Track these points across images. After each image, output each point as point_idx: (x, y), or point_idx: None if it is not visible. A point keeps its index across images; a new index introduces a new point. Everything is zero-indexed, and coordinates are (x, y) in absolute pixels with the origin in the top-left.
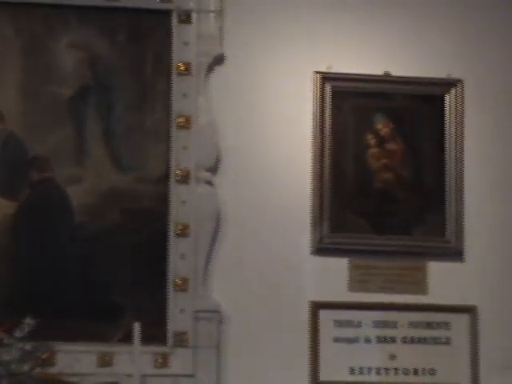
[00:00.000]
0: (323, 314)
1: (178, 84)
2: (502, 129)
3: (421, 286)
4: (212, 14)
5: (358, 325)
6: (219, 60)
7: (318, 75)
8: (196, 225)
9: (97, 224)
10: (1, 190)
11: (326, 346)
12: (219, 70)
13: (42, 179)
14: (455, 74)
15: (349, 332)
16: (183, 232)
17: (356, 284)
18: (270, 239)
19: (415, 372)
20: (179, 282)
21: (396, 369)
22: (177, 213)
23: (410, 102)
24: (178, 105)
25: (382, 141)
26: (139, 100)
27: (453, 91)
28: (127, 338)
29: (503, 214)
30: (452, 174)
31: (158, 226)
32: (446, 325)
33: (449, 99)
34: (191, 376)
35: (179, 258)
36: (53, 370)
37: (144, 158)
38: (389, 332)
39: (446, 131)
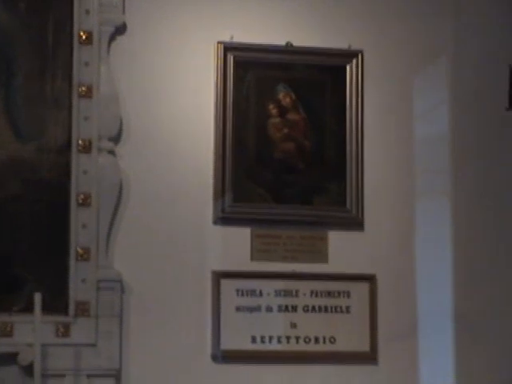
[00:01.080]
0: (225, 284)
1: (79, 53)
2: (401, 100)
3: (321, 255)
4: None
5: (260, 294)
6: (121, 29)
7: (221, 45)
8: (98, 195)
9: None
10: None
11: (228, 315)
12: (121, 40)
13: None
14: (356, 46)
15: (251, 301)
16: (85, 202)
17: (258, 253)
18: (172, 209)
19: (316, 340)
20: (81, 251)
21: (297, 337)
22: (78, 182)
23: (311, 73)
24: (79, 74)
25: (283, 111)
26: (40, 69)
27: (353, 62)
28: (28, 308)
29: (402, 185)
30: (353, 145)
31: (60, 196)
32: (346, 293)
33: (349, 70)
34: (93, 345)
35: (81, 228)
36: None
37: (45, 127)
38: (290, 301)
39: (347, 102)
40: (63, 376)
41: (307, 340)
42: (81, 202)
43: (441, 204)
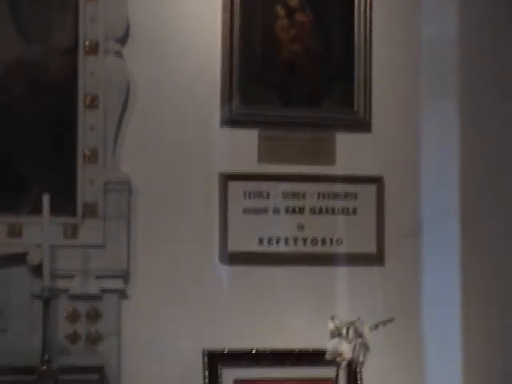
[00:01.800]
0: (232, 186)
1: None
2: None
3: (329, 157)
4: None
5: (267, 196)
6: None
7: None
8: (105, 96)
9: (3, 96)
10: None
11: (235, 217)
12: None
13: None
14: None
15: (258, 203)
16: (92, 103)
17: (265, 156)
18: (179, 111)
19: (323, 242)
20: (88, 153)
21: (304, 239)
22: (85, 84)
23: None
24: None
25: (291, 12)
26: None
27: None
28: (37, 210)
29: (409, 87)
30: (361, 46)
31: (67, 98)
32: (353, 195)
33: None
34: (100, 247)
35: (88, 130)
36: None
37: (51, 28)
38: (297, 203)
39: (355, 2)
40: (72, 277)
41: (314, 241)
42: (88, 103)
43: (448, 105)
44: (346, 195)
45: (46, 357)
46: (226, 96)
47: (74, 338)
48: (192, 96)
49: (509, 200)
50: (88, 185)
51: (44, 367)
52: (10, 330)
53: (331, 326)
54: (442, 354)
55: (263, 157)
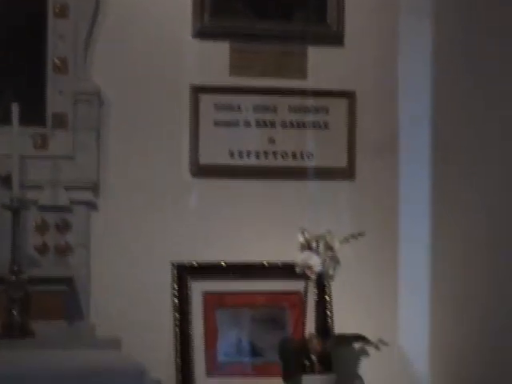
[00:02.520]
0: (203, 99)
1: None
2: None
3: (300, 71)
4: None
5: (238, 108)
6: None
7: None
8: (75, 5)
9: None
10: None
11: (206, 130)
12: None
13: None
14: None
15: (229, 116)
16: (62, 12)
17: (237, 69)
18: (151, 23)
19: (294, 156)
20: (58, 63)
21: (275, 152)
22: None
23: None
24: None
25: None
26: None
27: None
28: (5, 120)
29: (385, 2)
30: None
31: (35, 6)
32: (324, 109)
33: None
34: (70, 158)
35: (58, 39)
36: None
37: None
38: (268, 116)
39: None
40: (41, 188)
41: (285, 155)
42: (58, 11)
43: (424, 24)
44: (318, 109)
45: (15, 267)
46: (198, 7)
47: (43, 249)
48: (164, 7)
49: (484, 115)
50: (58, 95)
51: (13, 277)
52: None
53: (301, 239)
54: (413, 266)
55: (234, 70)
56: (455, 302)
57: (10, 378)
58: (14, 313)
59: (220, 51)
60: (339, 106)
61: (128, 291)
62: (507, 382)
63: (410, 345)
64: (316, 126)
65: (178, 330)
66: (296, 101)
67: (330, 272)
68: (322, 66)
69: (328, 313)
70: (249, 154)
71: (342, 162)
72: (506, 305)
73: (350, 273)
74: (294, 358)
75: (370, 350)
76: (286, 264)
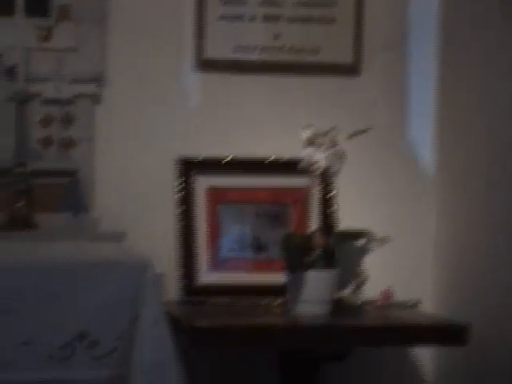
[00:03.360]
0: None
1: None
2: None
3: None
4: None
5: (245, 2)
6: None
7: None
8: None
9: None
10: None
11: (212, 24)
12: None
13: None
14: None
15: (235, 10)
16: None
17: None
18: None
19: (299, 51)
20: None
21: (280, 47)
22: None
23: None
24: None
25: None
26: None
27: None
28: (10, 12)
29: None
30: None
31: None
32: (331, 3)
33: None
34: (75, 50)
35: None
36: None
37: None
38: (274, 11)
39: None
40: (45, 81)
41: (290, 51)
42: None
43: None
44: (325, 3)
45: (19, 160)
46: None
47: (46, 142)
48: None
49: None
50: None
51: (16, 170)
52: None
53: (306, 134)
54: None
55: None
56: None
57: (13, 268)
58: (18, 205)
59: None
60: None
61: (132, 185)
62: None
63: None
64: (323, 20)
65: (181, 224)
66: None
67: (335, 168)
68: None
69: (332, 209)
70: (254, 48)
71: (348, 57)
72: None
73: (355, 169)
74: (297, 253)
75: (375, 246)
76: (291, 160)
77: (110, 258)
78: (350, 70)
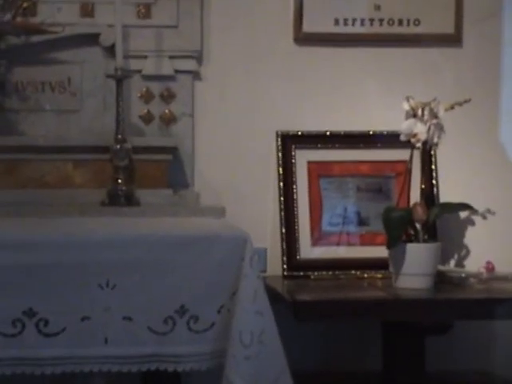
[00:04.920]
0: None
1: None
2: None
3: None
4: None
5: None
6: None
7: None
8: None
9: None
10: None
11: None
12: None
13: None
14: None
15: None
16: None
17: None
18: None
19: (400, 22)
20: None
21: (381, 19)
22: None
23: None
24: None
25: None
26: None
27: None
28: None
29: None
30: None
31: None
32: None
33: None
34: (174, 27)
35: None
36: (34, 20)
37: None
38: None
39: None
40: (145, 57)
41: (391, 22)
42: None
43: None
44: None
45: (120, 136)
46: None
47: (147, 118)
48: None
49: None
50: None
51: (117, 146)
52: (83, 110)
53: (406, 106)
54: None
55: None
56: None
57: (115, 243)
58: (120, 181)
59: None
60: None
61: (232, 161)
62: None
63: None
64: None
65: (282, 199)
66: None
67: (435, 140)
68: None
69: (433, 181)
70: (354, 21)
71: (449, 27)
72: None
73: (456, 141)
74: (398, 227)
75: (476, 219)
76: (391, 132)
77: (210, 234)
78: (452, 40)
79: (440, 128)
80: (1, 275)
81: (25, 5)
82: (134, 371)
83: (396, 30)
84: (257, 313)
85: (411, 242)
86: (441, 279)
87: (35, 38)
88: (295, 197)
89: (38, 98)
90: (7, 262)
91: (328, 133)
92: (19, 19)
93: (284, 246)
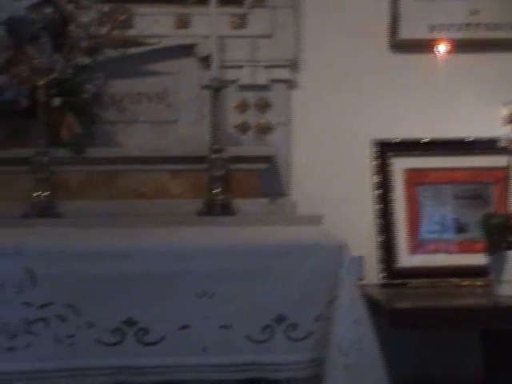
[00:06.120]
0: None
1: None
2: None
3: None
4: None
5: None
6: None
7: None
8: None
9: None
10: None
11: (407, 4)
12: None
13: None
14: None
15: None
16: None
17: None
18: None
19: (497, 27)
20: None
21: (477, 24)
22: None
23: None
24: None
25: None
26: None
27: None
28: (203, 0)
29: None
30: None
31: None
32: None
33: None
34: (269, 36)
35: None
36: (131, 32)
37: None
38: None
39: None
40: (240, 67)
41: (488, 27)
42: None
43: None
44: None
45: (216, 146)
46: None
47: (243, 128)
48: None
49: None
50: None
51: (214, 156)
52: (180, 120)
53: (505, 112)
54: None
55: None
56: None
57: (213, 252)
58: (216, 191)
59: None
60: None
61: (328, 168)
62: None
63: None
64: None
65: (379, 207)
66: None
67: None
68: None
69: None
70: (450, 27)
71: None
72: None
73: None
74: (498, 233)
75: None
76: (490, 139)
77: (307, 242)
78: None
79: None
80: (101, 285)
81: (121, 18)
82: (232, 380)
83: (493, 34)
84: (355, 321)
85: (511, 249)
86: None
87: (132, 51)
88: (392, 205)
89: (135, 110)
90: (107, 272)
91: (424, 140)
92: (116, 32)
93: (381, 254)
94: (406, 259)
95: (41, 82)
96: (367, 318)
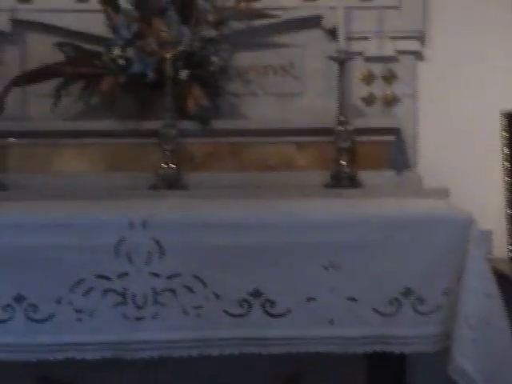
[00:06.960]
0: None
1: None
2: None
3: None
4: None
5: None
6: None
7: None
8: None
9: None
10: None
11: None
12: None
13: None
14: None
15: None
16: None
17: None
18: None
19: None
20: None
21: None
22: None
23: None
24: None
25: None
26: None
27: None
28: None
29: None
30: None
31: None
32: None
33: None
34: (396, 8)
35: None
36: (257, 5)
37: None
38: None
39: None
40: (366, 39)
41: None
42: None
43: None
44: None
45: (342, 118)
46: None
47: (369, 100)
48: None
49: None
50: None
51: (340, 128)
52: (306, 93)
53: None
54: None
55: None
56: None
57: (339, 223)
58: (342, 163)
59: None
60: None
61: (455, 141)
62: None
63: None
64: None
65: (509, 180)
66: None
67: None
68: None
69: None
70: None
71: None
72: None
73: None
74: None
75: None
76: None
77: (435, 214)
78: None
79: None
80: (228, 256)
81: None
82: (359, 352)
83: None
84: (485, 295)
85: None
86: None
87: (257, 23)
88: None
89: (261, 82)
90: (234, 243)
91: None
92: (242, 4)
93: (510, 228)
94: None
95: (168, 55)
96: (497, 292)
